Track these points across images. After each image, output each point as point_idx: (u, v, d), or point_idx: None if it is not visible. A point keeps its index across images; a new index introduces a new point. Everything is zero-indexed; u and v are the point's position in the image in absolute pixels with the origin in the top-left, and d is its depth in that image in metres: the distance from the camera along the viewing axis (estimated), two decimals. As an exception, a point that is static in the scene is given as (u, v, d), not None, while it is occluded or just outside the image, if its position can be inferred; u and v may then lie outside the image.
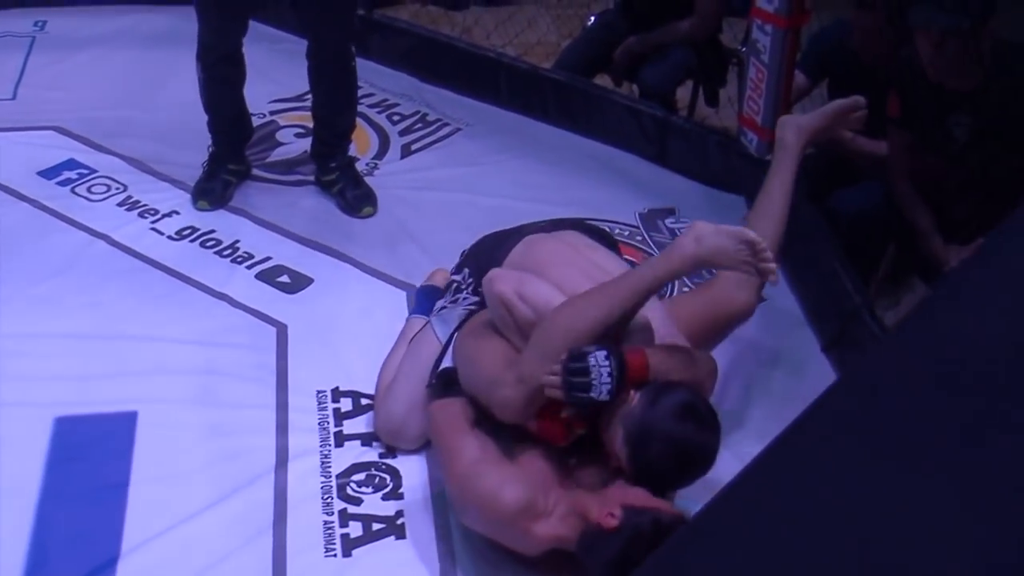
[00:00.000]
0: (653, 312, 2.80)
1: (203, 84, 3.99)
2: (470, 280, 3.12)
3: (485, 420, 2.76)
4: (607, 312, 2.61)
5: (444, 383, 2.92)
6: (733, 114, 4.57)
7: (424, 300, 3.40)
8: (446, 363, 2.95)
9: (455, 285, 3.16)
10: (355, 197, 4.12)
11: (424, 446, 3.07)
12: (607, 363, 2.50)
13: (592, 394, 2.50)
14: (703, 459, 2.56)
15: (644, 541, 2.43)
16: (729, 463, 3.07)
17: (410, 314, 3.44)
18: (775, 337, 3.61)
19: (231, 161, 4.16)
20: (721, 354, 3.45)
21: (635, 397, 2.56)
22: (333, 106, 4.07)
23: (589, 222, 3.40)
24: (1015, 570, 0.88)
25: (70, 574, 2.73)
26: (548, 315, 2.67)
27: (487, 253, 3.14)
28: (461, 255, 3.28)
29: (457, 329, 3.00)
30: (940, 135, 3.41)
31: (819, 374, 3.47)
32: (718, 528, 0.96)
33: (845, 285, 3.54)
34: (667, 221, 4.15)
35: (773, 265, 2.59)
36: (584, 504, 2.58)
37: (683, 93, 4.95)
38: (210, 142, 4.14)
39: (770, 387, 3.42)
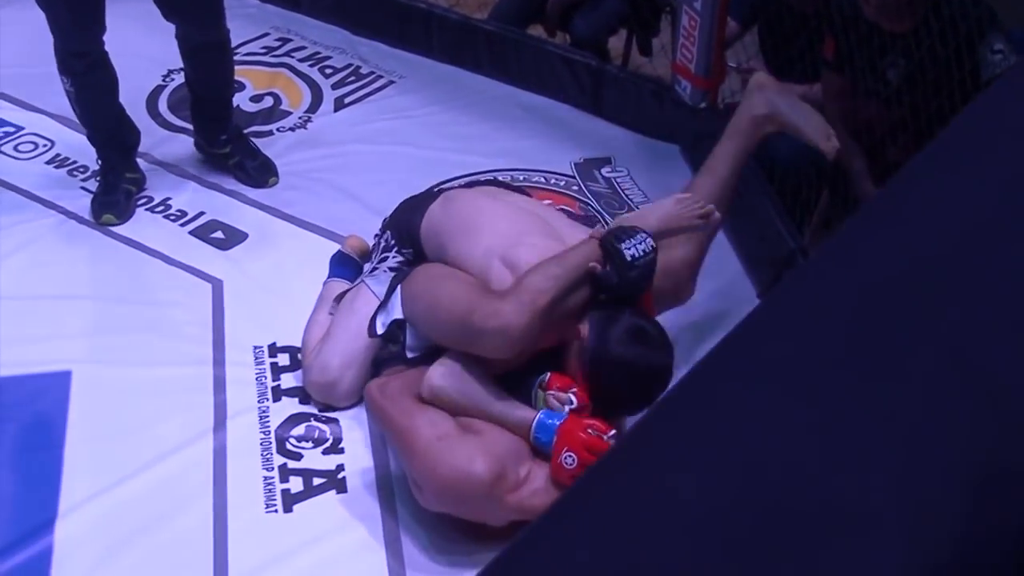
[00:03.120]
0: None
1: (75, 97, 3.68)
2: (392, 242, 3.11)
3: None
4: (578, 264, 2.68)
5: (389, 334, 2.90)
6: (667, 63, 4.55)
7: (338, 266, 3.38)
8: (390, 316, 2.92)
9: (382, 245, 3.13)
10: (255, 168, 3.95)
11: (359, 402, 3.04)
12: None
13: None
14: (658, 377, 2.64)
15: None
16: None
17: (327, 278, 3.39)
18: (713, 285, 3.62)
19: (127, 170, 3.83)
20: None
21: (585, 330, 2.62)
22: (211, 86, 3.88)
23: (502, 179, 3.39)
24: (934, 492, 0.88)
25: (6, 535, 2.70)
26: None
27: (406, 217, 3.12)
28: (381, 223, 3.25)
29: (397, 282, 2.96)
30: (874, 78, 3.42)
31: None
32: (617, 476, 0.94)
33: (780, 231, 3.56)
34: (603, 171, 4.15)
35: (711, 207, 2.88)
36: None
37: (616, 43, 4.93)
38: (96, 157, 3.83)
39: (705, 334, 3.42)
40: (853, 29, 3.42)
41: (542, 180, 4.05)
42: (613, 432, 2.58)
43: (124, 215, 3.76)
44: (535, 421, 2.61)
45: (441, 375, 2.68)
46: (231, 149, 3.93)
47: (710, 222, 2.94)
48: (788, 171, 3.72)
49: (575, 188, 4.04)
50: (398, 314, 2.87)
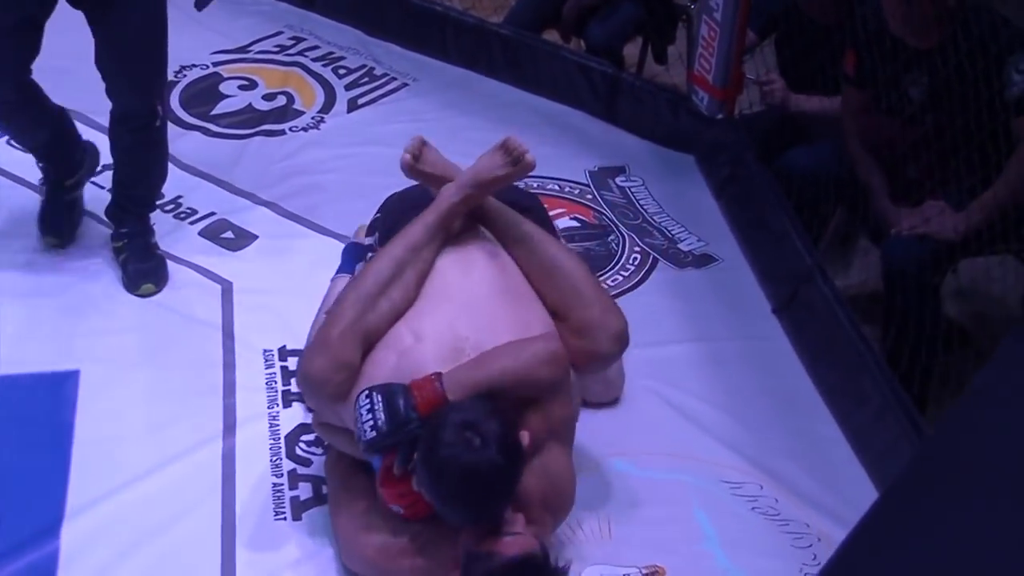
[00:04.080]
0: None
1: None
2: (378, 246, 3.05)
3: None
4: (388, 266, 2.65)
5: None
6: (682, 72, 4.53)
7: (348, 258, 3.33)
8: None
9: (369, 248, 3.07)
10: (136, 272, 3.44)
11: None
12: (379, 399, 2.40)
13: (363, 436, 2.41)
14: (480, 480, 2.31)
15: None
16: (684, 428, 3.09)
17: (336, 273, 3.34)
18: (725, 299, 3.60)
19: (67, 176, 3.56)
20: (671, 316, 3.47)
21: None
22: (131, 173, 3.47)
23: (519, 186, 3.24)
24: None
25: (12, 537, 2.66)
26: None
27: (393, 215, 3.03)
28: (373, 217, 3.20)
29: None
30: (896, 94, 3.39)
31: (769, 337, 3.46)
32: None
33: (797, 246, 3.53)
34: (617, 180, 4.12)
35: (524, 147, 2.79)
36: (438, 544, 2.51)
37: (631, 50, 4.90)
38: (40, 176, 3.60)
39: (719, 350, 3.40)
40: (876, 44, 3.39)
41: (556, 188, 4.02)
42: None
43: (71, 234, 3.58)
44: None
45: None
46: (124, 244, 3.49)
47: (524, 165, 2.79)
48: (806, 185, 3.69)
49: (589, 197, 4.01)
50: None
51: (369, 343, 2.60)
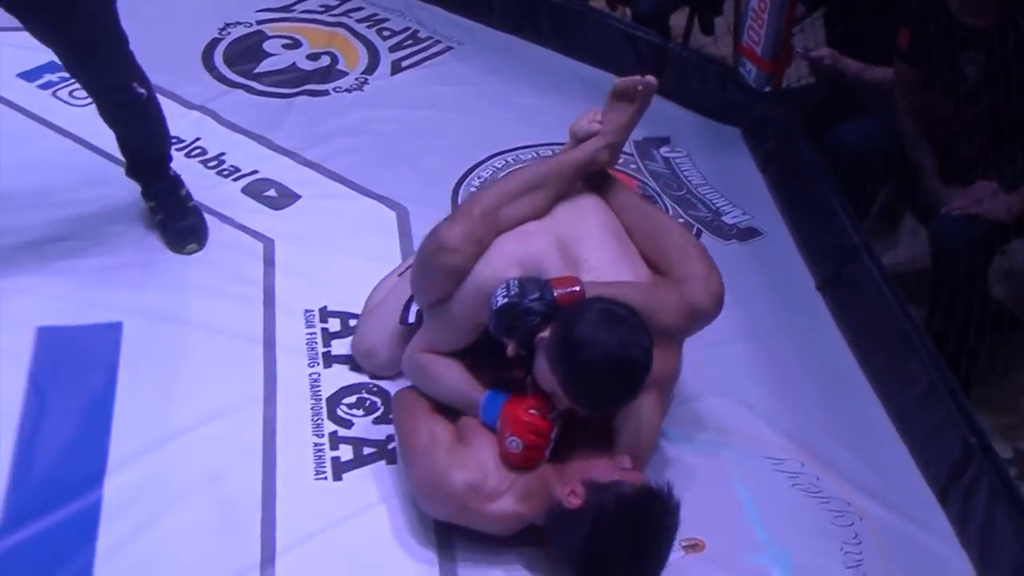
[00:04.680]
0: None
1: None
2: None
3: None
4: (532, 178, 2.76)
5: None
6: (728, 43, 4.48)
7: None
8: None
9: None
10: (177, 232, 3.41)
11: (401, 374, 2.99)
12: (515, 282, 2.49)
13: (495, 304, 2.47)
14: (629, 359, 2.39)
15: (611, 520, 2.37)
16: (726, 403, 3.07)
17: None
18: (769, 274, 3.57)
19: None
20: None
21: (549, 329, 2.47)
22: (132, 137, 3.36)
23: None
24: None
25: (54, 488, 2.69)
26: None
27: None
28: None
29: None
30: (950, 73, 3.34)
31: (812, 313, 3.44)
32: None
33: (843, 223, 3.49)
34: (662, 150, 4.08)
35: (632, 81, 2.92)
36: (548, 480, 2.51)
37: (678, 21, 4.85)
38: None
39: (762, 326, 3.37)
40: (932, 20, 3.34)
41: (600, 156, 3.99)
42: (556, 412, 2.52)
43: None
44: (482, 401, 2.61)
45: (408, 352, 2.79)
46: (156, 204, 3.44)
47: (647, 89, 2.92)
48: (853, 161, 3.64)
49: (633, 167, 3.98)
50: None
51: (497, 233, 2.68)
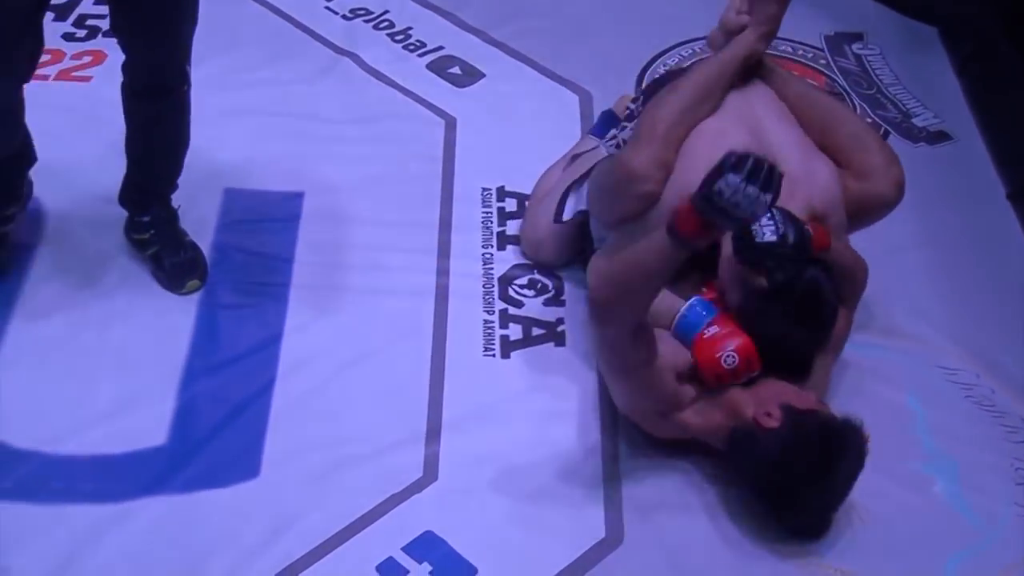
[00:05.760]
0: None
1: None
2: (637, 112, 3.01)
3: None
4: (703, 82, 2.71)
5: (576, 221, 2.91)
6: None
7: (601, 124, 3.28)
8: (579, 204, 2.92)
9: (628, 113, 3.02)
10: (174, 266, 2.96)
11: (568, 263, 3.02)
12: (787, 222, 2.40)
13: (762, 236, 2.39)
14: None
15: (811, 446, 2.34)
16: (902, 307, 3.00)
17: (589, 132, 3.31)
18: (957, 180, 3.46)
19: (10, 204, 2.94)
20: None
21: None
22: (157, 148, 2.93)
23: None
24: None
25: (235, 347, 2.79)
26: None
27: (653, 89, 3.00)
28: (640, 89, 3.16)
29: None
30: None
31: (1000, 223, 3.33)
32: None
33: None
34: (854, 47, 3.96)
35: None
36: (735, 399, 2.46)
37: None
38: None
39: (945, 233, 3.28)
40: None
41: (789, 50, 3.90)
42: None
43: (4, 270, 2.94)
44: (684, 310, 2.54)
45: (596, 257, 2.73)
46: (151, 236, 2.98)
47: None
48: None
49: (823, 62, 3.88)
50: (583, 204, 2.87)
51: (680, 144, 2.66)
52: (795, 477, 2.36)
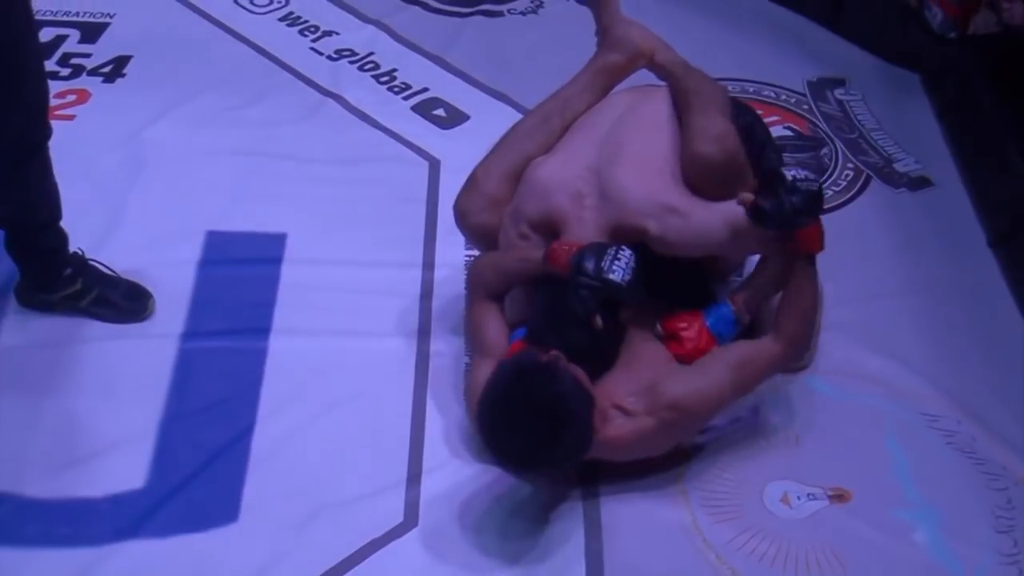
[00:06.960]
0: None
1: None
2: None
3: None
4: (526, 124, 3.02)
5: None
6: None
7: None
8: None
9: None
10: (124, 296, 2.92)
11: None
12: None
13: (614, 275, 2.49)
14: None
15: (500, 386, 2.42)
16: (884, 354, 3.00)
17: None
18: (938, 226, 3.47)
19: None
20: (880, 238, 3.36)
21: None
22: (36, 207, 2.79)
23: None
24: None
25: (214, 390, 2.79)
26: None
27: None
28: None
29: None
30: None
31: (982, 270, 3.33)
32: None
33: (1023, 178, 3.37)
34: (837, 92, 3.98)
35: None
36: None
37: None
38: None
39: (928, 279, 3.28)
40: None
41: (772, 95, 3.92)
42: None
43: None
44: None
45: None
46: (82, 283, 2.89)
47: None
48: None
49: (805, 107, 3.90)
50: None
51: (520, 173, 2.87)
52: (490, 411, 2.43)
